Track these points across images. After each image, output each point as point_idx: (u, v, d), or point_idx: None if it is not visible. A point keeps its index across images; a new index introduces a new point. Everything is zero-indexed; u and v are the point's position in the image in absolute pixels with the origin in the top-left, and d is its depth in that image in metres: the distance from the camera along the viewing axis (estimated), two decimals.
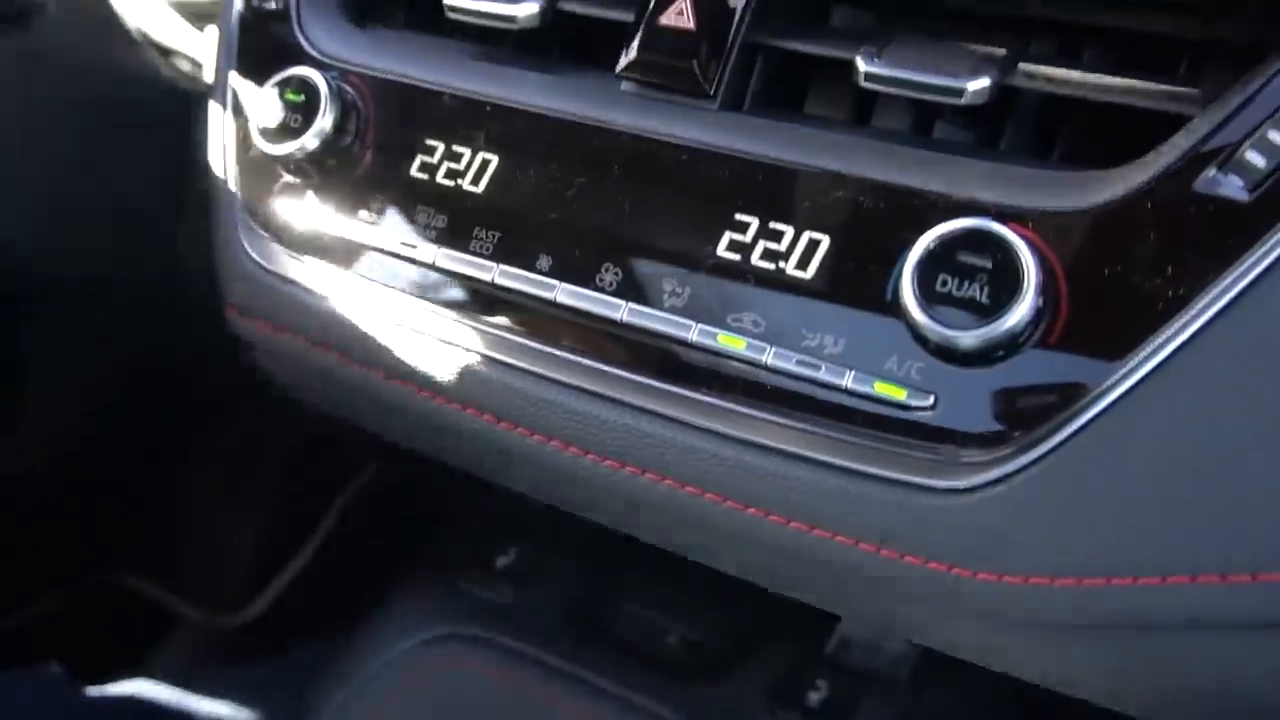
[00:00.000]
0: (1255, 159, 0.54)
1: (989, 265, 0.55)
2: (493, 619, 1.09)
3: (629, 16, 0.69)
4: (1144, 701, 0.65)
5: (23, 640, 1.34)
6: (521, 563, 1.16)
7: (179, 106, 1.08)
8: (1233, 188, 0.54)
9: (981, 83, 0.61)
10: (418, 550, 1.23)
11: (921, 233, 0.57)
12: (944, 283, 0.55)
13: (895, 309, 0.57)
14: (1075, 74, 0.62)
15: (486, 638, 1.07)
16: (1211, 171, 0.54)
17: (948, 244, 0.56)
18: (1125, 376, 0.54)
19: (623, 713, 1.01)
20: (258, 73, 0.78)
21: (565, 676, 1.04)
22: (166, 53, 1.21)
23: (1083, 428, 0.54)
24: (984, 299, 0.54)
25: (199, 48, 1.17)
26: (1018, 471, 0.55)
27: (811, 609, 0.77)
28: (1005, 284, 0.54)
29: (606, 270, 0.65)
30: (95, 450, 1.33)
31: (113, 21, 1.12)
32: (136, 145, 1.13)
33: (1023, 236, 0.55)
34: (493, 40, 0.78)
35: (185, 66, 1.19)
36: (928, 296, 0.55)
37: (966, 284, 0.55)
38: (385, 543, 1.36)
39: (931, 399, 0.57)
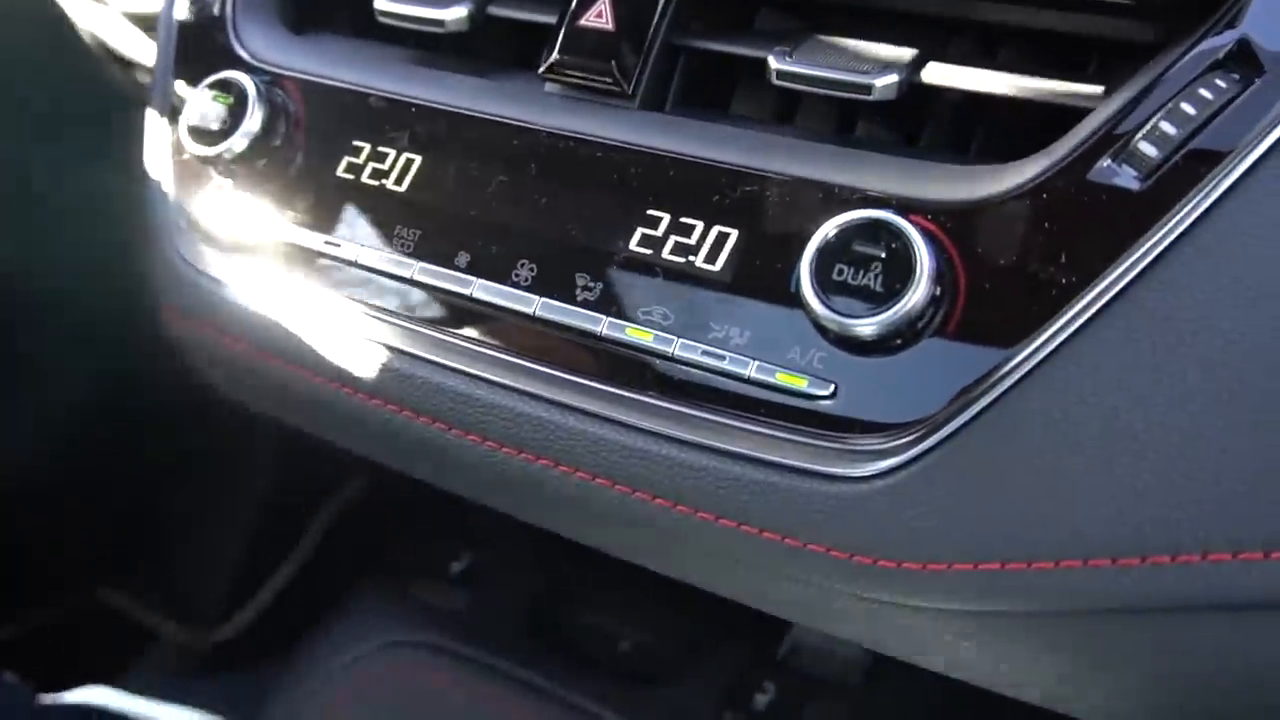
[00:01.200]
0: (1148, 149, 0.54)
1: (883, 254, 0.55)
2: (445, 625, 1.10)
3: (553, 18, 0.71)
4: (1054, 692, 0.65)
5: (3, 659, 1.33)
6: (475, 569, 1.16)
7: (130, 113, 1.09)
8: (1126, 177, 0.55)
9: (889, 79, 0.62)
10: (378, 559, 1.24)
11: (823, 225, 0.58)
12: (840, 272, 0.56)
13: (798, 300, 0.58)
14: (983, 72, 0.63)
15: (439, 644, 1.08)
16: (1106, 162, 0.55)
17: (844, 235, 0.57)
18: (1020, 364, 0.55)
19: (573, 718, 1.02)
20: (192, 76, 0.79)
21: (517, 682, 1.04)
22: (125, 63, 1.22)
23: (977, 415, 0.55)
24: (878, 287, 0.55)
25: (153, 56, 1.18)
26: (915, 459, 0.56)
27: (765, 615, 0.77)
28: (898, 272, 0.55)
29: (522, 266, 0.66)
30: (72, 467, 1.33)
31: (68, 31, 1.13)
32: (91, 152, 1.14)
33: (917, 226, 0.56)
34: (429, 45, 0.79)
35: (143, 77, 1.21)
36: (825, 286, 0.56)
37: (862, 273, 0.56)
38: (360, 557, 1.36)
39: (832, 388, 0.57)
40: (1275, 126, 0.52)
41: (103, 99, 1.14)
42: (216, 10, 0.81)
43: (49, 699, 1.16)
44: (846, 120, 0.70)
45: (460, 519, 1.24)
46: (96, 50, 1.18)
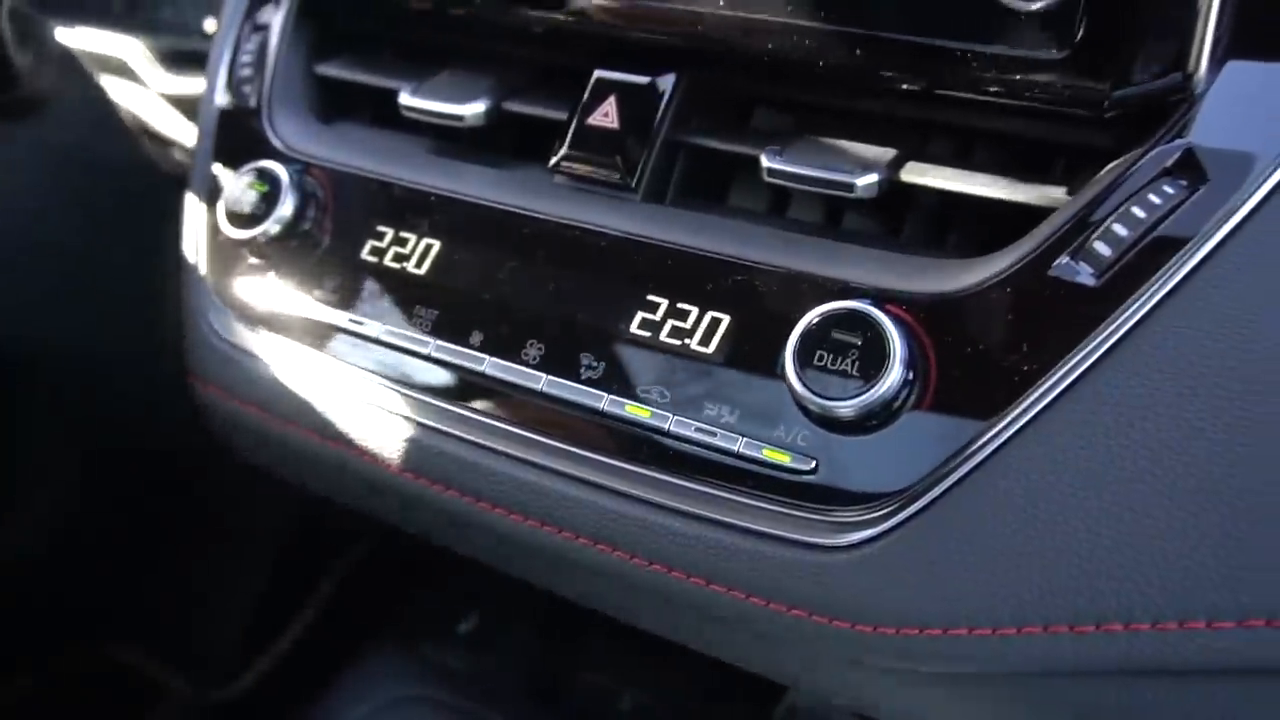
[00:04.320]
0: (1102, 249, 0.60)
1: (859, 342, 0.60)
2: (453, 682, 1.13)
3: (564, 115, 0.77)
4: None
5: (12, 711, 1.36)
6: (482, 628, 1.20)
7: (169, 191, 1.16)
8: (1083, 274, 0.60)
9: (870, 179, 0.68)
10: (386, 617, 1.27)
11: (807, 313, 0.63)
12: (820, 358, 0.61)
13: (783, 381, 0.63)
14: (957, 172, 0.68)
15: (447, 701, 1.11)
16: (1065, 259, 0.60)
17: (824, 323, 0.62)
18: (985, 445, 0.59)
19: None
20: (229, 163, 0.85)
21: None
22: (163, 142, 1.29)
23: (946, 491, 0.60)
24: (855, 372, 0.60)
25: (190, 137, 1.25)
26: (889, 531, 0.61)
27: (761, 678, 0.81)
28: (873, 359, 0.60)
29: (531, 346, 0.71)
30: (85, 523, 1.37)
31: (111, 113, 1.20)
32: (129, 227, 1.20)
33: (891, 315, 0.61)
34: (449, 136, 0.85)
35: (179, 155, 1.27)
36: (806, 370, 0.61)
37: (840, 359, 0.61)
38: (369, 615, 1.39)
39: (813, 463, 0.62)
40: (1215, 232, 0.57)
41: (151, 178, 1.20)
42: (253, 101, 0.88)
43: None
44: (835, 211, 0.76)
45: (467, 580, 1.28)
46: (135, 129, 1.25)
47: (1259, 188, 0.58)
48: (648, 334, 0.68)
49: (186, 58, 1.25)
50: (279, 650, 1.45)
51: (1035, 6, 0.60)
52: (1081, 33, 0.60)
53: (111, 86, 1.22)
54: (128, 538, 1.41)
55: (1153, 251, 0.59)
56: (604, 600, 0.77)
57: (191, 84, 1.23)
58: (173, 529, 1.44)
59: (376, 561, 1.49)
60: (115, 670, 1.46)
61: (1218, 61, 0.60)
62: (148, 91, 1.25)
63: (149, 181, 1.21)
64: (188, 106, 1.25)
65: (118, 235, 1.19)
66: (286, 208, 0.79)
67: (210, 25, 1.25)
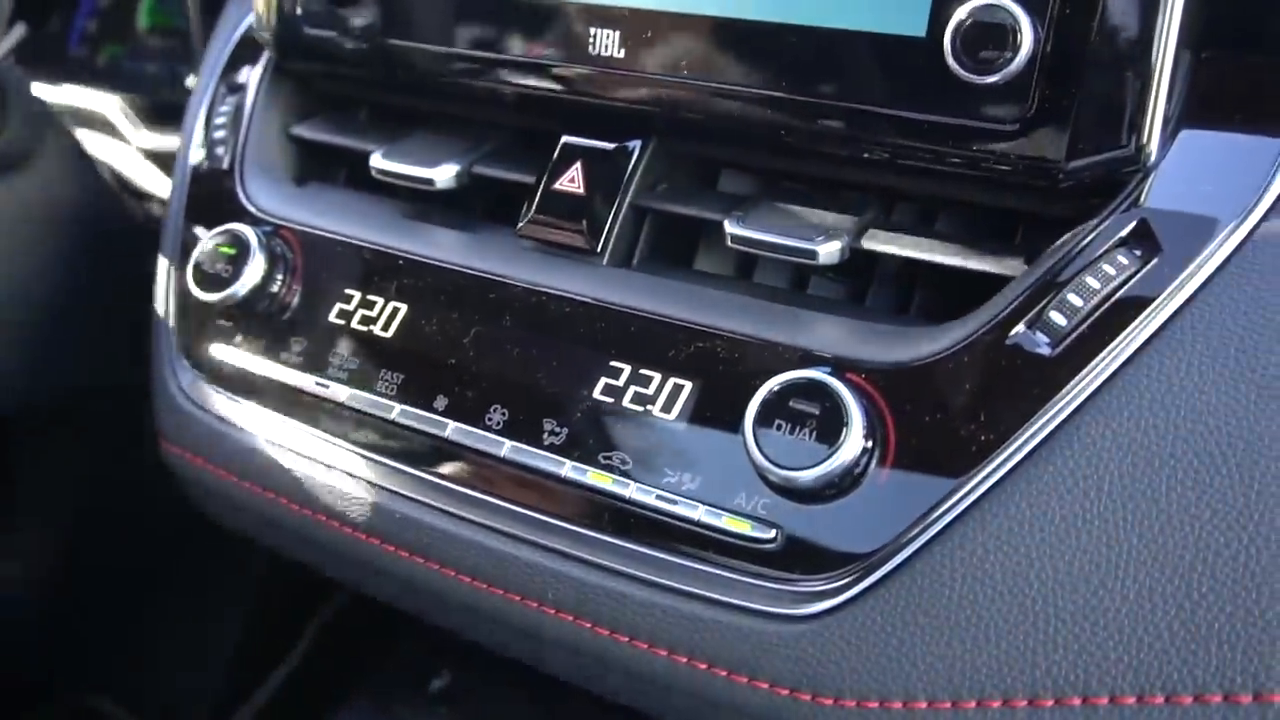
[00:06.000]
0: (1058, 319, 0.60)
1: (817, 412, 0.61)
2: None
3: (532, 179, 0.77)
4: None
5: None
6: (454, 685, 1.18)
7: (148, 246, 1.16)
8: (1039, 344, 0.60)
9: (832, 246, 0.68)
10: (359, 675, 1.26)
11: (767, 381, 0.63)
12: (779, 427, 0.61)
13: (744, 449, 0.63)
14: (918, 239, 0.69)
15: None
16: (1021, 329, 0.61)
17: (783, 392, 0.62)
18: (943, 515, 0.59)
19: None
20: (200, 224, 0.85)
21: None
22: (142, 197, 1.30)
23: (905, 561, 0.59)
24: (814, 442, 0.60)
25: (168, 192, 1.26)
26: (850, 601, 0.60)
27: None
28: (832, 428, 0.60)
29: (495, 411, 0.71)
30: (65, 576, 1.36)
31: (91, 168, 1.21)
32: (109, 282, 1.20)
33: (850, 384, 0.61)
34: (421, 198, 0.86)
35: (157, 210, 1.28)
36: (765, 439, 0.61)
37: (800, 428, 0.61)
38: (342, 672, 1.38)
39: (774, 532, 0.62)
40: (1169, 302, 0.58)
41: (119, 230, 1.20)
42: (226, 162, 0.88)
43: None
44: (801, 275, 0.76)
45: (439, 638, 1.26)
46: (114, 184, 1.26)
47: (1211, 258, 0.58)
48: (610, 400, 0.68)
49: (167, 113, 1.26)
50: (253, 707, 1.44)
51: (990, 80, 0.61)
52: (1035, 105, 0.61)
53: (91, 142, 1.23)
54: (106, 591, 1.40)
55: (1107, 321, 0.59)
56: (567, 668, 0.76)
57: (171, 140, 1.24)
58: (150, 584, 1.43)
59: (350, 618, 1.48)
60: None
61: (1170, 132, 0.61)
62: (127, 147, 1.26)
63: (129, 236, 1.21)
64: (166, 162, 1.26)
65: (98, 290, 1.19)
66: (254, 272, 0.79)
67: (192, 81, 1.26)
